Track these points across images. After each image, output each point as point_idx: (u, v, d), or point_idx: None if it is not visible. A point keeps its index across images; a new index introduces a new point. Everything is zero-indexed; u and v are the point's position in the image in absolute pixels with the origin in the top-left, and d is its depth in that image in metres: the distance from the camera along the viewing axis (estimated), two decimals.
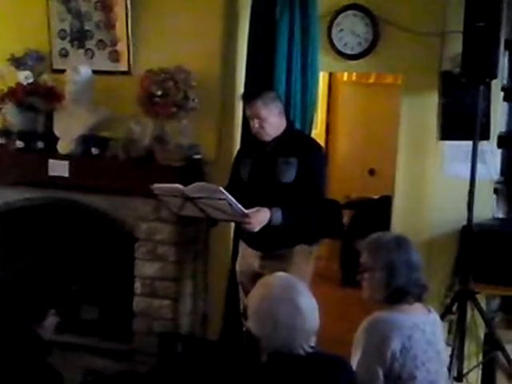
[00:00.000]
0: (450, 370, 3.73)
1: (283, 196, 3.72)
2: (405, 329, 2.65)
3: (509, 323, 4.47)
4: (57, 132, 4.68)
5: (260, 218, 3.59)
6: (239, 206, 3.54)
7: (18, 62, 4.77)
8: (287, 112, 4.12)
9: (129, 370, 4.45)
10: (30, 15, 4.86)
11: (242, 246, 4.03)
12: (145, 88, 4.35)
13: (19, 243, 4.90)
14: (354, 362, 2.64)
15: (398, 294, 2.72)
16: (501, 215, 4.47)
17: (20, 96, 4.67)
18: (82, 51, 4.82)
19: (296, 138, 3.94)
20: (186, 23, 4.56)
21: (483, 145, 4.21)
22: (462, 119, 4.26)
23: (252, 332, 2.30)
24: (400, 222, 4.46)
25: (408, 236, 2.87)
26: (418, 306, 2.77)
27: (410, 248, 2.77)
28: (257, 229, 3.60)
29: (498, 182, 4.40)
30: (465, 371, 4.11)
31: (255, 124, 3.82)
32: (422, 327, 2.70)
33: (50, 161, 4.58)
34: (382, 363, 2.62)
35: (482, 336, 4.29)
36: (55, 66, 4.88)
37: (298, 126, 4.24)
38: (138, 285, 4.54)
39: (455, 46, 4.16)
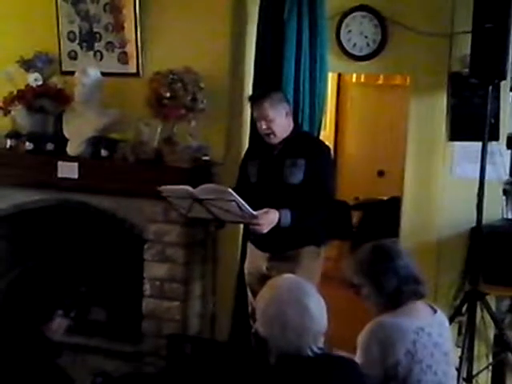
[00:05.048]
0: (459, 371, 3.72)
1: (291, 197, 3.71)
2: (409, 333, 2.65)
3: None
4: (66, 134, 4.69)
5: (269, 219, 3.58)
6: (248, 207, 3.53)
7: (27, 64, 4.78)
8: (295, 113, 4.12)
9: (138, 372, 4.46)
10: (38, 17, 4.88)
11: (250, 248, 4.03)
12: (153, 90, 4.36)
13: (28, 245, 4.91)
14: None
15: (395, 298, 2.73)
16: (510, 216, 4.45)
17: (29, 98, 4.69)
18: (90, 53, 4.83)
19: (303, 139, 3.94)
20: (195, 25, 4.55)
21: (492, 145, 4.20)
22: (470, 120, 4.25)
23: (260, 333, 2.30)
24: (409, 223, 4.44)
25: (417, 237, 2.88)
26: (422, 307, 2.78)
27: (390, 252, 2.81)
28: (265, 230, 3.59)
29: (507, 183, 4.39)
30: (474, 372, 4.09)
31: (262, 125, 3.82)
32: (428, 330, 2.70)
33: (60, 162, 4.58)
34: (381, 369, 2.61)
35: (491, 337, 4.28)
36: (64, 68, 4.89)
37: (306, 127, 4.24)
38: (147, 286, 4.54)
39: (464, 47, 4.16)
